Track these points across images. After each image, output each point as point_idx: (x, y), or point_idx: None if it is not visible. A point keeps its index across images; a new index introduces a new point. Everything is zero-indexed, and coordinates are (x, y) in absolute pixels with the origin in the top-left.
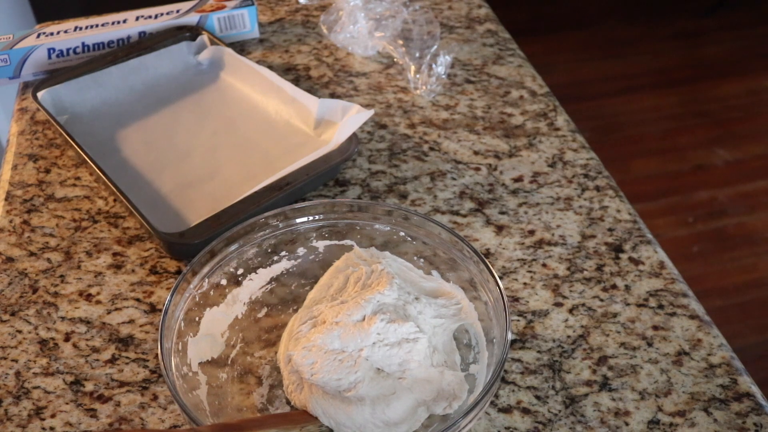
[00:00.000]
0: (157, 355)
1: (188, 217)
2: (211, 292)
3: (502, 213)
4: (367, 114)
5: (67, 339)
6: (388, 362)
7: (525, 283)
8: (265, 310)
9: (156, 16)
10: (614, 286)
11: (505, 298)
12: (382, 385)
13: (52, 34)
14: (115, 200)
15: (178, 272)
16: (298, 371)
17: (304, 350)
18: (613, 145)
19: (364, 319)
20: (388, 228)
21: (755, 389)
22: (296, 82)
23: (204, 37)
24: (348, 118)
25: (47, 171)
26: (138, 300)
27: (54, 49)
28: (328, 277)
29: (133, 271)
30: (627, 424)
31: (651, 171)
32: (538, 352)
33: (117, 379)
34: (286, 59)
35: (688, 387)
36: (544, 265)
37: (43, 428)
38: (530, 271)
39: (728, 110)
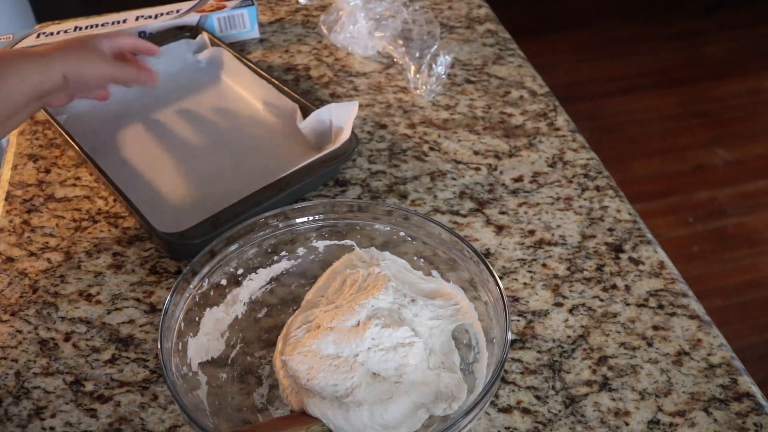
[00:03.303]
0: (157, 355)
1: (188, 217)
2: (211, 292)
3: (502, 213)
4: (352, 105)
5: (67, 339)
6: (384, 366)
7: (525, 283)
8: (265, 310)
9: (156, 16)
10: (614, 286)
11: (505, 298)
12: (379, 389)
13: (52, 34)
14: (115, 200)
15: (178, 272)
16: (294, 376)
17: (299, 355)
18: (613, 145)
19: (358, 324)
20: (388, 228)
21: (755, 389)
22: (296, 82)
23: (204, 36)
24: (337, 112)
25: (47, 171)
26: (138, 300)
27: None
28: (325, 279)
29: (133, 271)
30: (627, 424)
31: (651, 171)
32: (538, 352)
33: (117, 379)
34: (286, 59)
35: (688, 387)
36: (544, 265)
37: (43, 428)
38: (530, 271)
39: (728, 110)
